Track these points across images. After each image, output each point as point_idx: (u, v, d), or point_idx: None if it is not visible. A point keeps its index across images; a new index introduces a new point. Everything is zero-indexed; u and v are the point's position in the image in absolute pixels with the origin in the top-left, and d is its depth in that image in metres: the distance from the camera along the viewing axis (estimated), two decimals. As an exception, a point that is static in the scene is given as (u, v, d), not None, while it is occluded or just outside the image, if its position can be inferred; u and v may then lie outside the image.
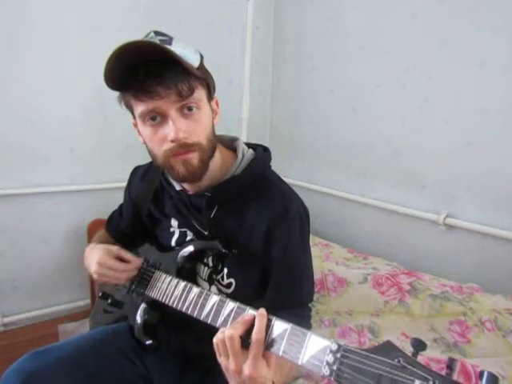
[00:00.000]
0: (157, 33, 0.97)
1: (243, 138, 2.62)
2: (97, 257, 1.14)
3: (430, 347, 1.48)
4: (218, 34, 2.45)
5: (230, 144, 1.17)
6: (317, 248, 2.17)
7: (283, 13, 2.63)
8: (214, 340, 0.79)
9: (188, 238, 1.17)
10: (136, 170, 1.38)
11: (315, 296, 1.78)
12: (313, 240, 2.24)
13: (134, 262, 1.17)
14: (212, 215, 1.10)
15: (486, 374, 0.54)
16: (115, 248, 1.18)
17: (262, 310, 0.78)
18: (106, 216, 1.49)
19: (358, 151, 2.27)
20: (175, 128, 0.94)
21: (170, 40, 0.95)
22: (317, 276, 1.86)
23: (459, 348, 1.48)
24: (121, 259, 1.17)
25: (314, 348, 0.68)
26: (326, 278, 1.89)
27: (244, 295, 1.05)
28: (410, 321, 1.63)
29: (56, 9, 1.93)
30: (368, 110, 2.20)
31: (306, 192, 2.39)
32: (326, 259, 2.06)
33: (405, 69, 1.99)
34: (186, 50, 0.95)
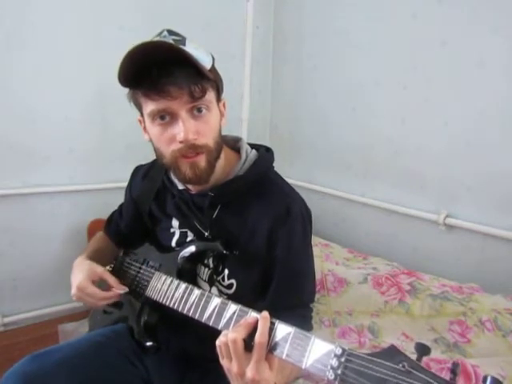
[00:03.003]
0: (170, 32, 0.97)
1: (243, 137, 2.61)
2: (78, 279, 1.12)
3: (430, 347, 1.48)
4: (217, 33, 2.44)
5: (233, 144, 1.18)
6: (317, 248, 2.17)
7: (283, 13, 2.63)
8: (217, 343, 0.79)
9: (188, 238, 1.17)
10: (137, 169, 1.38)
11: (315, 296, 1.79)
12: (313, 240, 2.21)
13: (116, 288, 1.15)
14: (214, 215, 1.10)
15: (489, 378, 0.54)
16: (100, 269, 1.16)
17: (265, 313, 0.78)
18: (106, 216, 1.49)
19: (358, 151, 2.27)
20: (185, 129, 0.94)
21: (183, 40, 0.96)
22: (317, 276, 1.84)
23: (459, 348, 1.48)
24: (105, 282, 1.16)
25: (317, 352, 0.68)
26: (326, 278, 1.90)
27: (245, 296, 1.05)
28: (410, 321, 1.63)
29: (56, 9, 1.93)
30: (368, 110, 2.20)
31: (306, 192, 2.36)
32: (326, 259, 2.06)
33: (405, 69, 1.99)
34: (198, 51, 0.96)
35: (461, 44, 1.77)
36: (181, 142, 0.96)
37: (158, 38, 0.96)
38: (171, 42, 0.93)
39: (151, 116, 0.98)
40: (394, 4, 2.01)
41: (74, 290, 1.13)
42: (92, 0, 2.01)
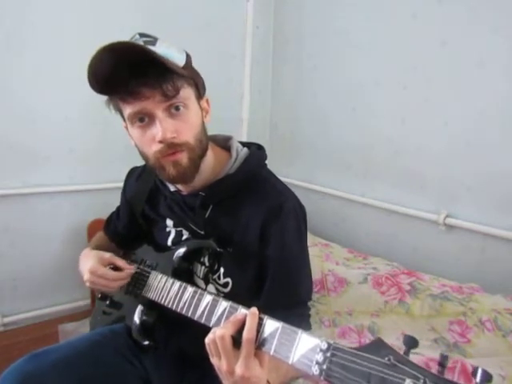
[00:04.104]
0: (141, 34, 0.96)
1: (243, 138, 2.62)
2: (89, 265, 1.14)
3: (430, 347, 1.48)
4: (218, 33, 2.45)
5: (224, 143, 1.17)
6: (317, 248, 2.16)
7: (283, 13, 2.63)
8: (206, 340, 0.79)
9: (184, 237, 1.17)
10: (132, 171, 1.39)
11: (315, 296, 1.78)
12: (313, 240, 2.23)
13: (127, 269, 1.16)
14: (207, 215, 1.10)
15: (479, 370, 0.54)
16: (108, 255, 1.18)
17: (254, 309, 0.78)
18: (105, 216, 1.50)
19: (358, 151, 2.27)
20: (162, 128, 0.94)
21: (154, 41, 0.95)
22: (317, 276, 1.86)
23: (459, 348, 1.47)
24: (114, 266, 1.17)
25: (304, 347, 0.68)
26: (326, 278, 1.89)
27: (241, 294, 1.05)
28: (410, 321, 1.62)
29: (56, 8, 1.93)
30: (368, 110, 2.20)
31: (305, 192, 2.38)
32: (325, 259, 2.05)
33: (405, 69, 1.98)
34: (170, 50, 0.95)
35: (461, 44, 1.77)
36: (160, 142, 0.95)
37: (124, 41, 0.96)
38: (141, 43, 0.92)
39: (130, 119, 0.98)
40: (394, 4, 2.01)
41: (86, 276, 1.14)
42: (92, 0, 2.02)
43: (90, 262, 1.15)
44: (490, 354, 1.42)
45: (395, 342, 1.52)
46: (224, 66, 2.49)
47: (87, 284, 1.15)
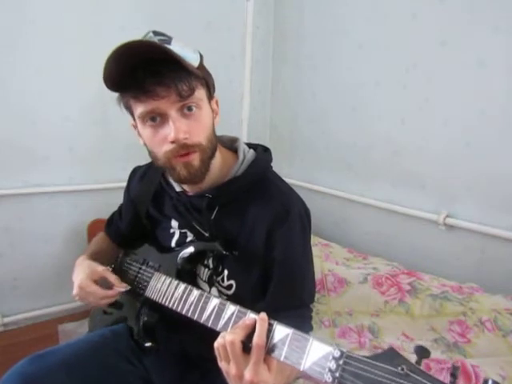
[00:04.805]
0: (156, 33, 0.95)
1: (243, 138, 2.62)
2: (79, 279, 1.14)
3: (430, 347, 1.47)
4: (218, 33, 2.44)
5: (230, 145, 1.16)
6: (317, 248, 2.17)
7: (283, 13, 2.63)
8: (215, 345, 0.78)
9: (188, 238, 1.16)
10: (135, 170, 1.38)
11: (315, 296, 1.78)
12: (313, 240, 2.21)
13: (117, 287, 1.15)
14: (213, 216, 1.09)
15: (490, 382, 0.53)
16: (101, 268, 1.17)
17: (263, 315, 0.77)
18: (105, 216, 1.49)
19: (358, 151, 2.27)
20: (175, 128, 0.93)
21: (169, 40, 0.94)
22: (317, 276, 1.85)
23: (459, 348, 1.48)
24: (106, 280, 1.16)
25: (316, 354, 0.67)
26: (326, 278, 1.90)
27: (245, 297, 1.05)
28: (410, 321, 1.63)
29: (56, 8, 1.93)
30: (368, 110, 2.20)
31: (306, 192, 2.38)
32: (325, 259, 2.06)
33: (405, 68, 1.98)
34: (185, 50, 0.94)
35: (461, 44, 1.77)
36: (172, 142, 0.94)
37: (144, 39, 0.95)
38: (156, 41, 0.92)
39: (141, 118, 0.97)
40: (394, 4, 2.01)
41: (75, 290, 1.14)
42: (92, 0, 2.01)
43: (80, 276, 1.14)
44: (490, 354, 1.43)
45: (395, 341, 1.54)
46: (224, 66, 2.49)
47: (76, 298, 1.16)
